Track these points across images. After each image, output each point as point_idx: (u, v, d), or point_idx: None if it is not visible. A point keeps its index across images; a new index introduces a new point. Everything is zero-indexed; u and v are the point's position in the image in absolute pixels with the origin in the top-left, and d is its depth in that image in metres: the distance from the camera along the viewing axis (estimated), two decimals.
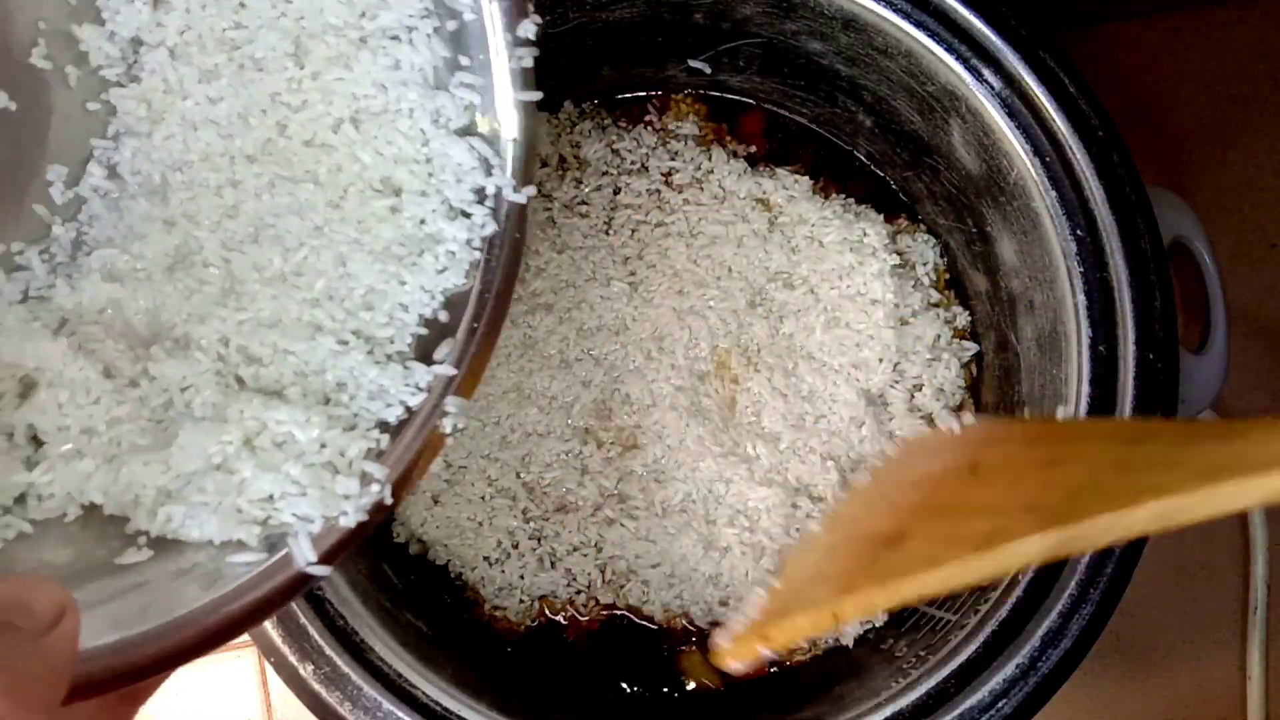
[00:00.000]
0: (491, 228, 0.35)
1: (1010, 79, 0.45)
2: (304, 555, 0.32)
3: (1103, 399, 0.44)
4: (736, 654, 0.34)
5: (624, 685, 0.53)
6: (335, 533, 0.32)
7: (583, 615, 0.53)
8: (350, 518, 0.32)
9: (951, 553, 0.31)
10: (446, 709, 0.44)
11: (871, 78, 0.51)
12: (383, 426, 0.34)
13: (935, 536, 0.33)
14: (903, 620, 0.52)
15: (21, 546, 0.32)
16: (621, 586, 0.53)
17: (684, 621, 0.53)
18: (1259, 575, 0.59)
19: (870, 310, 0.54)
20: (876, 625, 0.53)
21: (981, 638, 0.43)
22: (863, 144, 0.57)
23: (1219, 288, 0.49)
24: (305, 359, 0.34)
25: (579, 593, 0.53)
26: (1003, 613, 0.43)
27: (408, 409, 0.34)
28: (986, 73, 0.46)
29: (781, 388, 0.53)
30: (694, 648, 0.53)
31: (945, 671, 0.43)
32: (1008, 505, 0.32)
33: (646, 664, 0.53)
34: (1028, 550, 0.30)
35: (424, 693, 0.44)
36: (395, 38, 0.35)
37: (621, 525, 0.52)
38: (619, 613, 0.54)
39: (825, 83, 0.54)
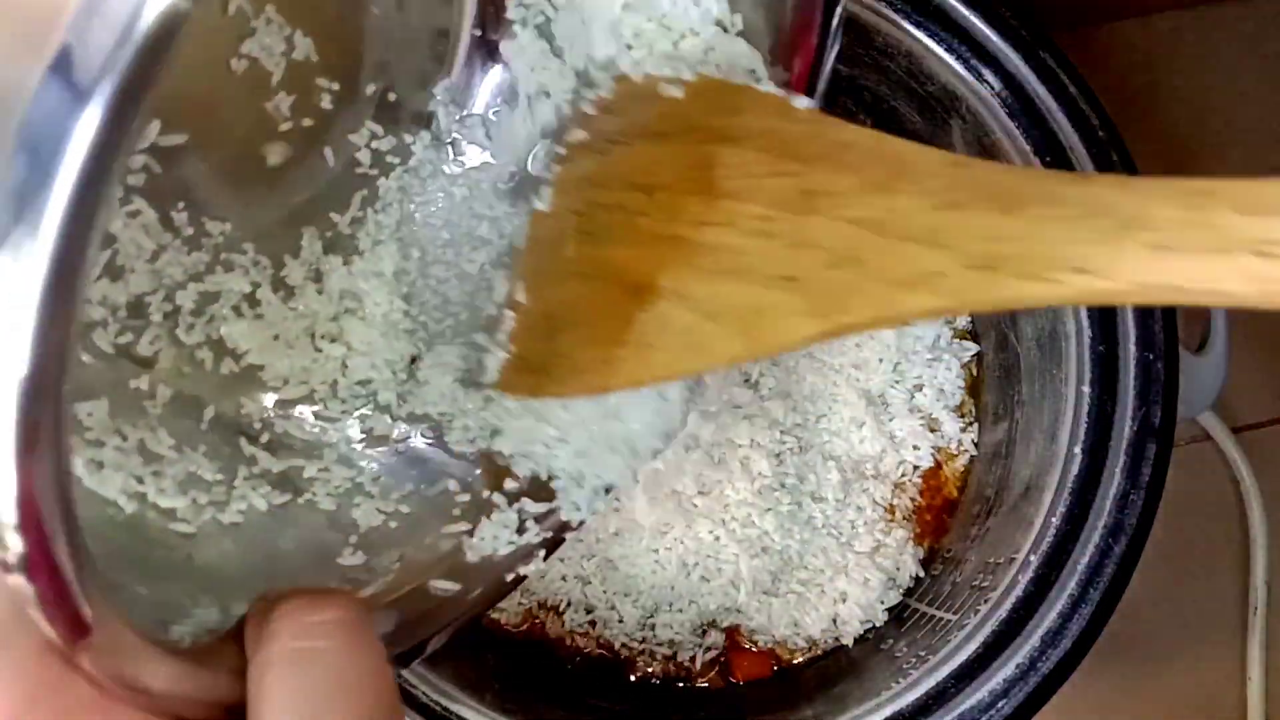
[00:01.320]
0: None
1: (1010, 79, 0.45)
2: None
3: (1103, 399, 0.44)
4: (509, 389, 0.34)
5: (626, 679, 0.53)
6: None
7: None
8: None
9: (713, 334, 0.28)
10: (446, 709, 0.44)
11: (871, 78, 0.51)
12: None
13: (689, 300, 0.29)
14: (903, 620, 0.52)
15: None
16: None
17: None
18: (1259, 575, 0.59)
19: None
20: (876, 625, 0.53)
21: (981, 638, 0.43)
22: None
23: None
24: None
25: None
26: (1003, 613, 0.43)
27: None
28: (986, 73, 0.46)
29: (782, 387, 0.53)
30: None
31: (945, 671, 0.43)
32: (763, 270, 0.28)
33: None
34: (789, 342, 0.27)
35: (424, 693, 0.44)
36: None
37: None
38: None
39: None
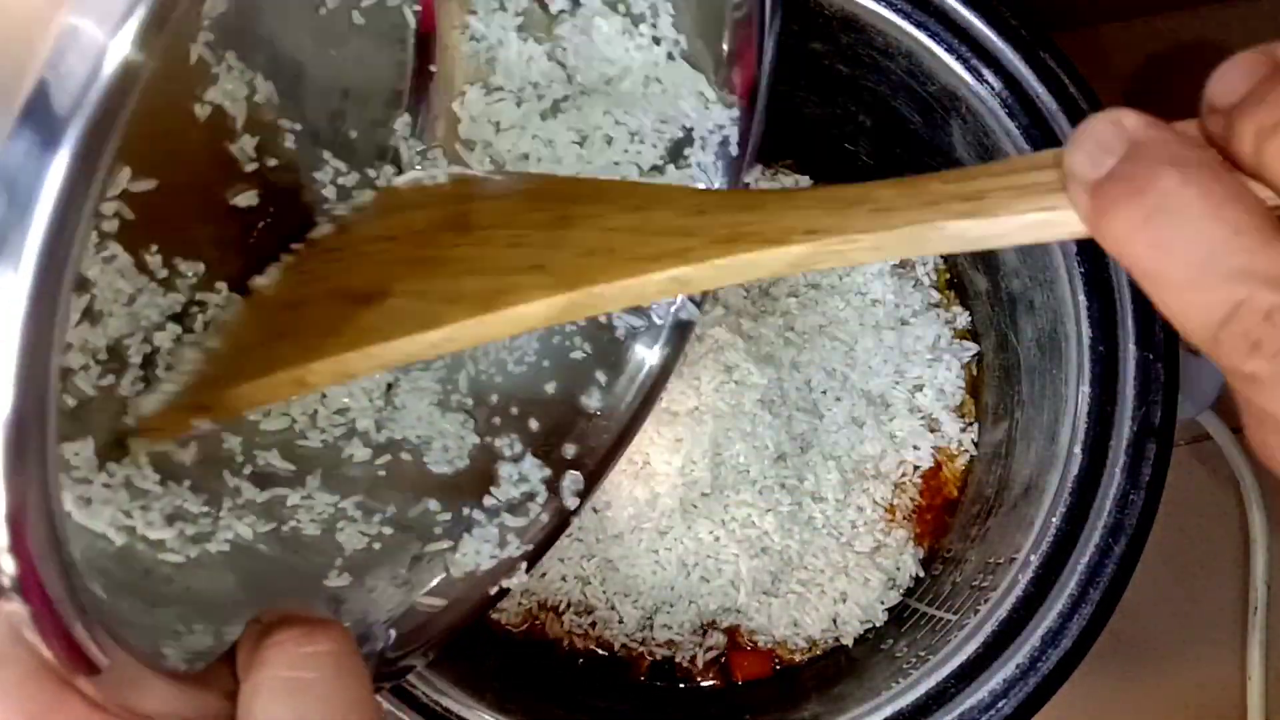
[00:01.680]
0: None
1: (1010, 79, 0.45)
2: None
3: (1103, 399, 0.44)
4: (162, 429, 0.31)
5: (626, 679, 0.53)
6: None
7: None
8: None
9: (450, 313, 0.28)
10: (447, 709, 0.44)
11: (871, 78, 0.51)
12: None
13: (427, 294, 0.30)
14: (903, 620, 0.52)
15: None
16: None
17: None
18: (1259, 575, 0.59)
19: (870, 310, 0.54)
20: (876, 625, 0.53)
21: (981, 638, 0.43)
22: (863, 144, 0.57)
23: None
24: None
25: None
26: (1003, 613, 0.43)
27: None
28: (986, 73, 0.46)
29: None
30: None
31: (945, 671, 0.43)
32: (510, 265, 0.29)
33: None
34: (535, 312, 0.28)
35: (424, 693, 0.44)
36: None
37: None
38: None
39: (825, 82, 0.54)
